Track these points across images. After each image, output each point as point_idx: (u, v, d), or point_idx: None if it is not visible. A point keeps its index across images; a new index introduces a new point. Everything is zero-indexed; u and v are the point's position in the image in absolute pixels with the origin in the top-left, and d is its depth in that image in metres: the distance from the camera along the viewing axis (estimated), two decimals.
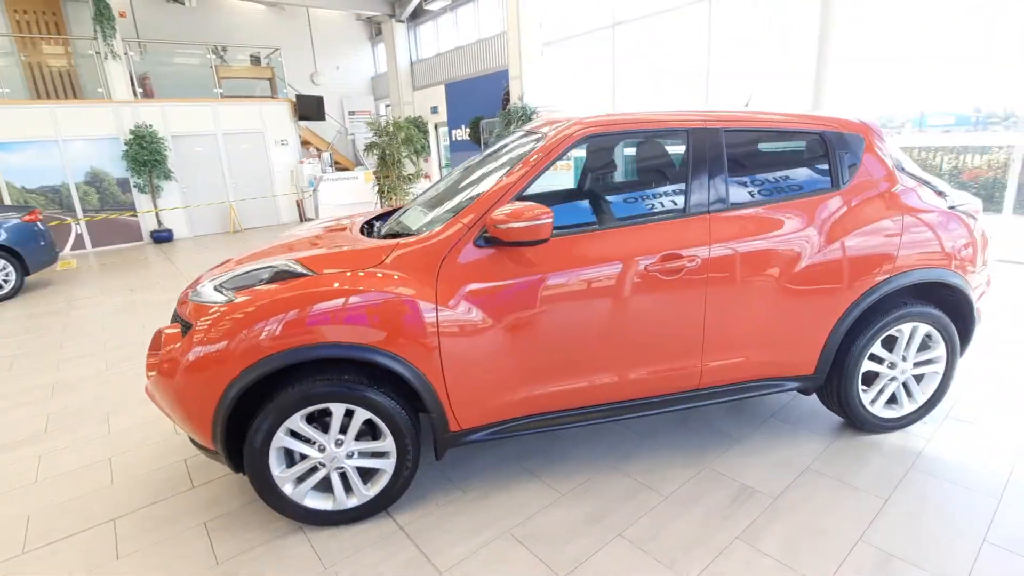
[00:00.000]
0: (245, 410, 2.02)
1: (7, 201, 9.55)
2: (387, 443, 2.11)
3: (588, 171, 3.10)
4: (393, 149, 8.71)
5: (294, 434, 2.05)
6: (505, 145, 2.69)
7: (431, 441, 2.36)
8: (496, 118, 10.22)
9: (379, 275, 2.03)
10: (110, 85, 10.27)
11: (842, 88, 6.03)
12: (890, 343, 2.50)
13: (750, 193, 2.34)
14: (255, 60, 12.55)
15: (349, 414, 2.06)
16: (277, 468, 2.06)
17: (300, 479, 2.12)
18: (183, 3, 11.77)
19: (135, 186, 10.65)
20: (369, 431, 2.14)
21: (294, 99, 12.15)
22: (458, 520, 2.19)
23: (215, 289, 2.14)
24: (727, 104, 2.82)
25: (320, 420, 2.08)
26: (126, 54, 10.44)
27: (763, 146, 2.53)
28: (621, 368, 2.26)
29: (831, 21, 5.90)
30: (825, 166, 2.41)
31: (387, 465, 2.16)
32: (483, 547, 2.04)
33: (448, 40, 13.39)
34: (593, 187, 3.05)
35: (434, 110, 13.47)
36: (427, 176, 12.65)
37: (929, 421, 2.69)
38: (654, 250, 2.16)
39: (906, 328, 2.45)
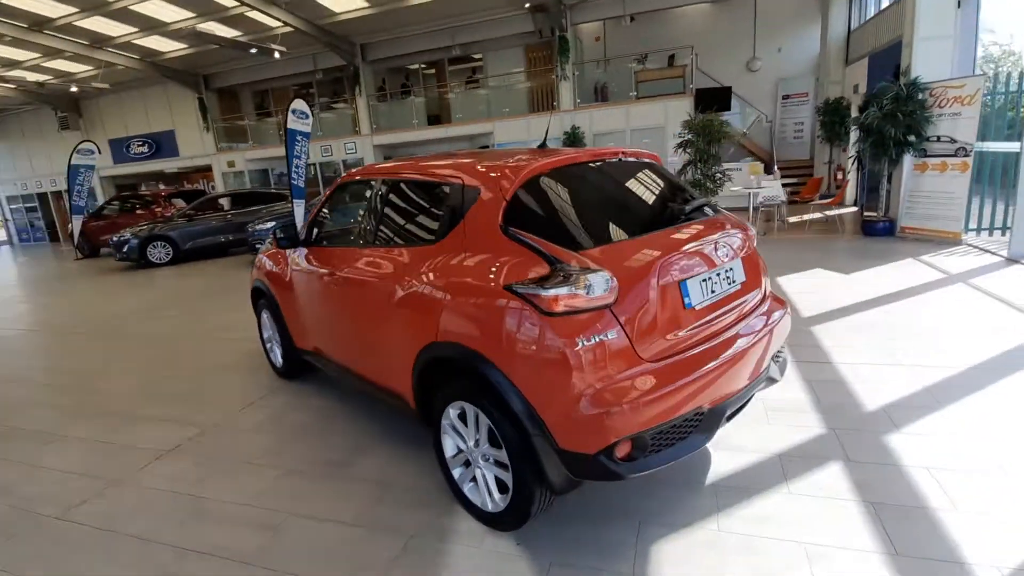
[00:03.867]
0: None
1: None
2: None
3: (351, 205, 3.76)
4: (702, 145, 8.58)
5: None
6: None
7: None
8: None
9: (277, 254, 3.84)
10: (561, 99, 14.12)
11: None
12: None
13: (388, 236, 2.68)
14: (671, 60, 13.80)
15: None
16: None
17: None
18: (622, 23, 14.26)
19: None
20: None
21: (694, 93, 12.84)
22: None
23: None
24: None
25: None
26: (575, 75, 13.96)
27: (411, 195, 2.64)
28: (335, 338, 3.23)
29: None
30: (441, 217, 2.40)
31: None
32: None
33: None
34: (350, 218, 3.64)
35: (855, 89, 10.94)
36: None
37: (539, 546, 2.14)
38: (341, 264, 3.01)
39: (469, 409, 2.18)
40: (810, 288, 5.51)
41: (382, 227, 2.79)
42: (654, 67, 14.03)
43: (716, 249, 2.23)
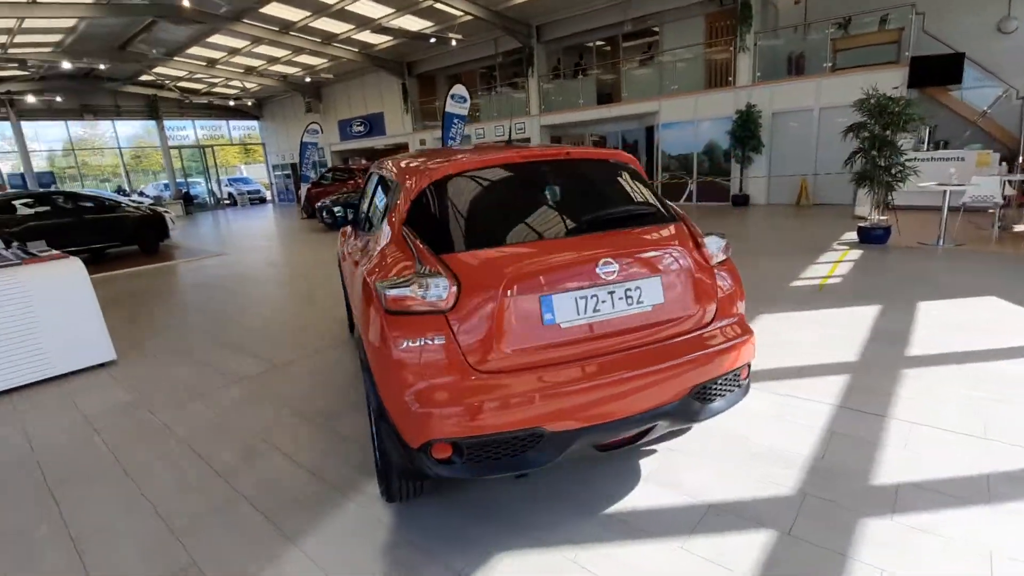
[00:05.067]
0: None
1: (659, 164, 14.31)
2: None
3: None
4: (877, 130, 6.97)
5: None
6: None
7: None
8: None
9: (346, 229, 4.47)
10: (737, 74, 12.65)
11: None
12: None
13: (367, 222, 2.98)
14: (882, 22, 11.16)
15: None
16: None
17: None
18: None
19: (734, 156, 13.03)
20: None
21: (909, 61, 10.36)
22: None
23: None
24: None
25: None
26: (755, 45, 12.33)
27: (381, 187, 2.83)
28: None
29: None
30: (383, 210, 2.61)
31: None
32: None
33: None
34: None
35: None
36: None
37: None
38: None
39: None
40: (954, 321, 4.29)
41: (368, 213, 3.13)
42: (859, 32, 11.62)
43: (614, 265, 2.03)
